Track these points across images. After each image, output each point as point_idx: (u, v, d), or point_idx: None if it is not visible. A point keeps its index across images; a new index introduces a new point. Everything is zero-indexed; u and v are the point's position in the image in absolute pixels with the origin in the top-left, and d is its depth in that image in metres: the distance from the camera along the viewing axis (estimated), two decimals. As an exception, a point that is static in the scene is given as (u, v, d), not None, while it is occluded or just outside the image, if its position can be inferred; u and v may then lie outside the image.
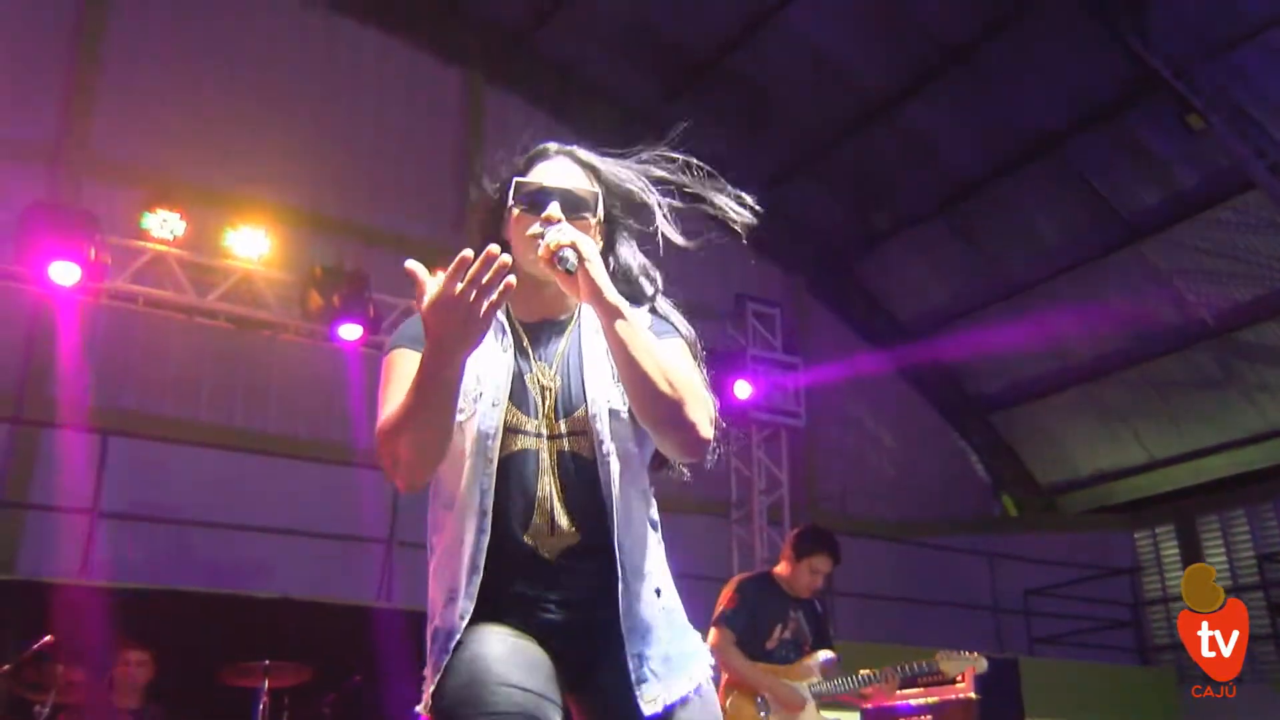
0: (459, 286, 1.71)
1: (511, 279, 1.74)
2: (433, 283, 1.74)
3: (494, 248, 1.72)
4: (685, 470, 2.12)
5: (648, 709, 1.96)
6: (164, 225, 7.38)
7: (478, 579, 1.95)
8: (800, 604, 5.24)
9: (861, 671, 5.20)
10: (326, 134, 10.13)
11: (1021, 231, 11.84)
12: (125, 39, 9.55)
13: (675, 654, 2.05)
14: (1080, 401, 12.88)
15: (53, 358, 8.43)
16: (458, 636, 1.93)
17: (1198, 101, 9.61)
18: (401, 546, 9.18)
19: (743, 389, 10.12)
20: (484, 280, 1.71)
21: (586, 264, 1.91)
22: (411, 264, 1.77)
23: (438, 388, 1.81)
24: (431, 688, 1.92)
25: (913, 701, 5.60)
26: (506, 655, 1.92)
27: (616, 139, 8.96)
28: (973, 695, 5.30)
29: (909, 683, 5.43)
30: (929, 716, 5.43)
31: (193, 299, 7.54)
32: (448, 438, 1.90)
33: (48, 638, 5.08)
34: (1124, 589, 12.91)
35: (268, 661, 5.74)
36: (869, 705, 5.46)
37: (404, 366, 1.95)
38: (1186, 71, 9.55)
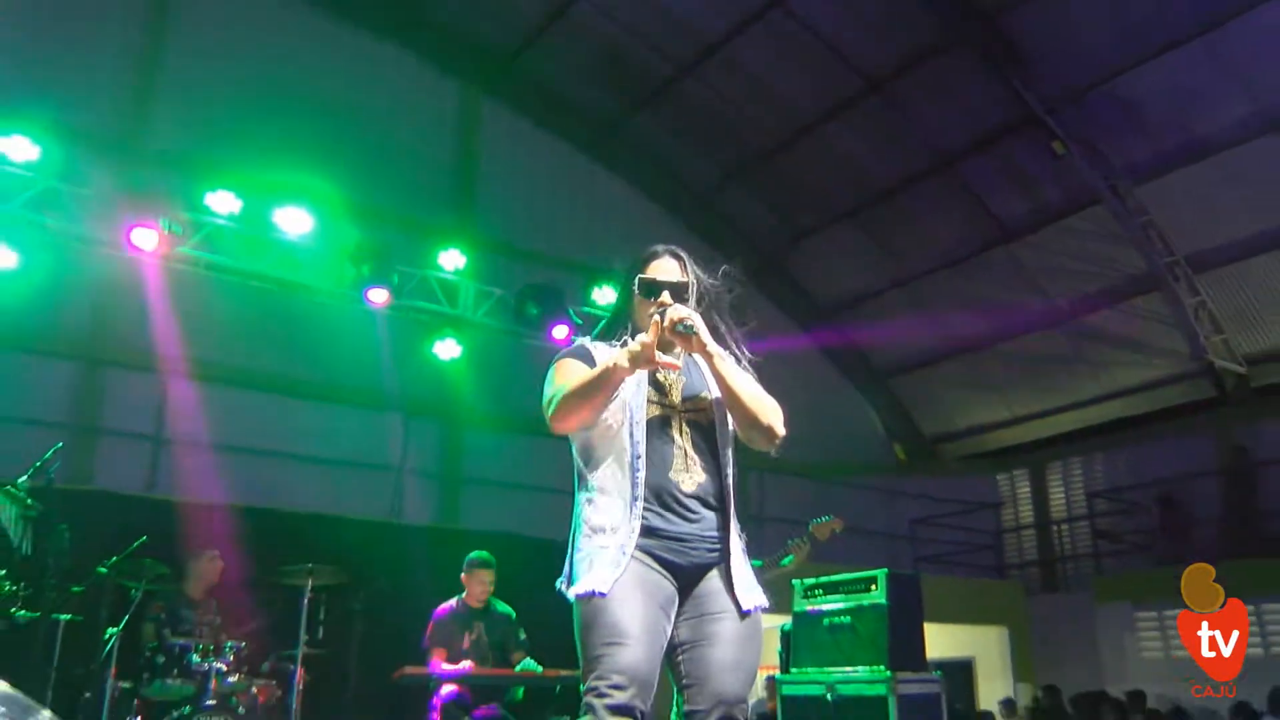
0: (651, 360, 2.25)
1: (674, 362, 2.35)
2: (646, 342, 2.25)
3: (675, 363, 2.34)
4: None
5: (745, 605, 2.30)
6: (221, 203, 7.30)
7: (639, 506, 2.29)
8: None
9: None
10: (348, 133, 9.96)
11: (920, 233, 11.96)
12: (184, 47, 9.42)
13: (750, 578, 2.38)
14: (960, 370, 13.11)
15: (119, 310, 8.33)
16: (624, 556, 2.24)
17: (1061, 133, 9.90)
18: (410, 475, 9.23)
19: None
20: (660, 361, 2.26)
21: (698, 329, 2.31)
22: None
23: (614, 382, 2.29)
24: (588, 587, 2.22)
25: (832, 606, 5.42)
26: (642, 580, 2.24)
27: (585, 146, 9.09)
28: (883, 601, 5.22)
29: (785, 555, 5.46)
30: (849, 619, 5.33)
31: (246, 265, 7.47)
32: (595, 413, 2.33)
33: (143, 538, 5.09)
34: (989, 520, 13.31)
35: (310, 565, 5.74)
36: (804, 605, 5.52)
37: (573, 367, 2.42)
38: (1054, 110, 9.83)
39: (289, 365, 9.14)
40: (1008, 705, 10.27)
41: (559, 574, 2.37)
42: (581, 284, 8.60)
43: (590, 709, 2.07)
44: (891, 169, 11.45)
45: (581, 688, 2.14)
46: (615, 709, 2.05)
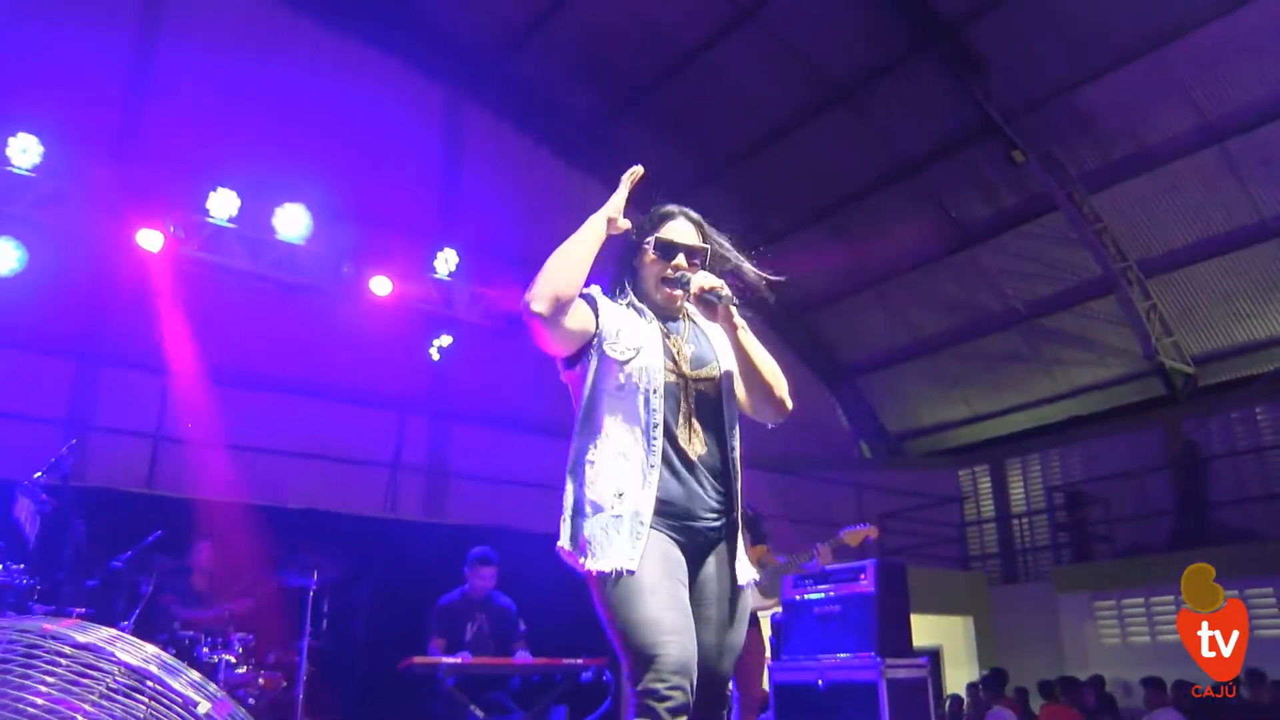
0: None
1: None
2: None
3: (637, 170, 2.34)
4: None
5: (741, 581, 2.26)
6: (223, 204, 7.21)
7: (654, 474, 2.16)
8: None
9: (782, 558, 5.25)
10: (339, 138, 9.85)
11: (886, 236, 11.96)
12: (178, 54, 9.28)
13: (743, 554, 2.34)
14: (923, 369, 13.17)
15: (116, 308, 8.16)
16: (642, 527, 2.10)
17: (1020, 142, 10.10)
18: (403, 470, 9.17)
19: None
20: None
21: (729, 298, 2.26)
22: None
23: (596, 237, 2.25)
24: (613, 564, 2.07)
25: (822, 596, 5.33)
26: (664, 556, 2.13)
27: (565, 150, 9.07)
28: (872, 590, 5.12)
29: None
30: (838, 608, 5.26)
31: (246, 265, 7.38)
32: (575, 281, 2.15)
33: (158, 533, 5.03)
34: (952, 514, 13.46)
35: (315, 559, 5.69)
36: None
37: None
38: (1013, 120, 10.02)
39: (286, 363, 9.02)
40: (973, 690, 10.44)
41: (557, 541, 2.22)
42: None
43: (650, 711, 1.93)
44: (860, 174, 11.49)
45: (606, 675, 2.14)
46: (676, 710, 1.94)
